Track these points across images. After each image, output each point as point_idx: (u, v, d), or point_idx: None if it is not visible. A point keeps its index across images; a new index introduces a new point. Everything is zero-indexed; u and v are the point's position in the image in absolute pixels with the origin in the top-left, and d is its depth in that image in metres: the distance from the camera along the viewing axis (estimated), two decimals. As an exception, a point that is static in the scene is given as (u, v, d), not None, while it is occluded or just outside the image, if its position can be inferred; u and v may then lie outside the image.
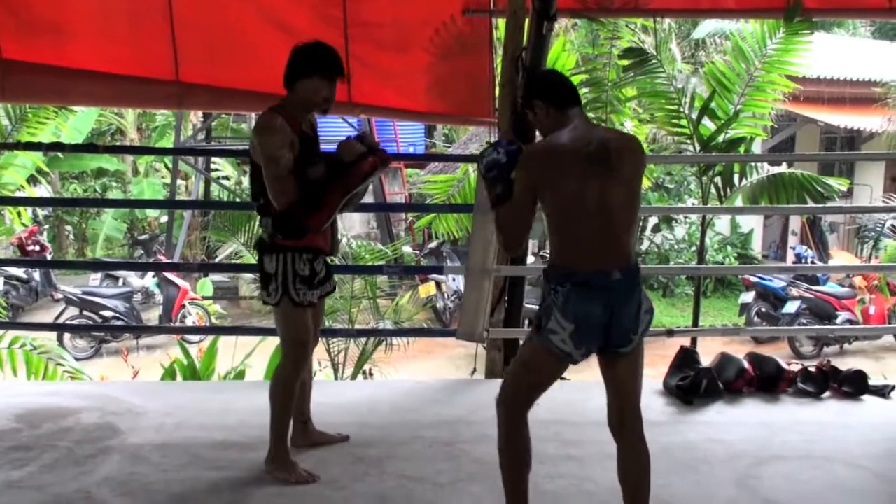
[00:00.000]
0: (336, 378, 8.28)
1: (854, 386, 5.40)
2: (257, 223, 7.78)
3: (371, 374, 8.57)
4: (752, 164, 8.44)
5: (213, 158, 19.16)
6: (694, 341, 7.76)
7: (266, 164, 3.83)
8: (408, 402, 5.01)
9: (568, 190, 3.21)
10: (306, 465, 4.14)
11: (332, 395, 5.09)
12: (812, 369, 5.48)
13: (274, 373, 4.26)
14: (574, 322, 3.20)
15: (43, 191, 18.59)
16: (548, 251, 3.73)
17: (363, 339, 8.39)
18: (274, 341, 7.43)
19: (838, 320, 13.70)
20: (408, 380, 5.86)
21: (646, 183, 9.10)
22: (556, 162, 3.27)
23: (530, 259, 12.84)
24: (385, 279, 12.95)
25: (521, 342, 3.54)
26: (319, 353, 8.39)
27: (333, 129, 16.64)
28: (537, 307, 3.40)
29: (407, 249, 15.20)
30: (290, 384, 4.11)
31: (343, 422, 4.63)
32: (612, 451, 4.38)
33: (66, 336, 12.97)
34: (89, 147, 15.43)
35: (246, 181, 21.29)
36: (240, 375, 7.55)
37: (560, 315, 3.21)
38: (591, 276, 3.20)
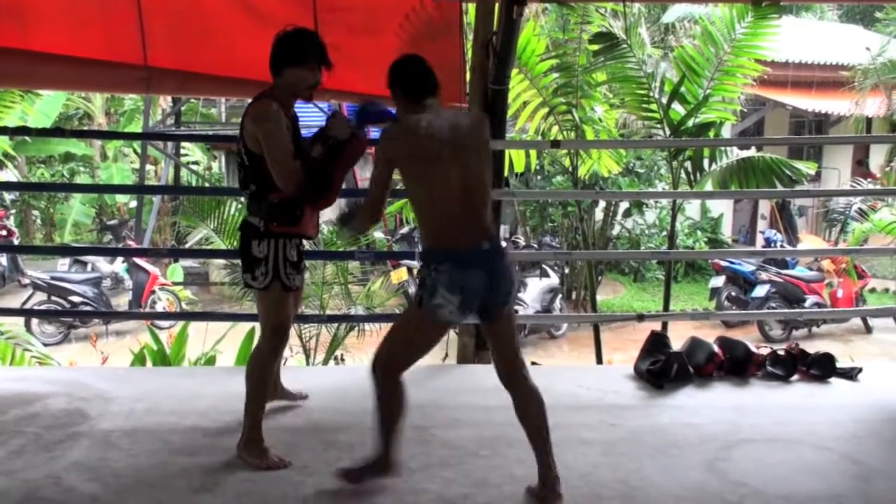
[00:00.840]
0: (308, 364, 8.27)
1: (822, 369, 5.46)
2: (227, 209, 7.76)
3: (343, 360, 8.56)
4: (722, 148, 8.46)
5: (183, 144, 19.09)
6: (664, 326, 7.80)
7: (272, 151, 3.90)
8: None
9: (432, 175, 3.49)
10: (277, 451, 4.13)
11: (303, 380, 5.08)
12: (781, 353, 5.53)
13: (252, 356, 4.28)
14: (461, 294, 3.47)
15: (9, 175, 18.43)
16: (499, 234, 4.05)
17: (335, 325, 8.37)
18: (244, 327, 7.45)
19: (807, 304, 13.82)
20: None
21: (616, 168, 9.12)
22: (411, 144, 3.52)
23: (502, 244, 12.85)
24: (357, 265, 12.93)
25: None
26: (291, 339, 8.38)
27: (303, 115, 16.60)
28: (417, 287, 3.65)
29: (378, 235, 15.17)
30: (267, 367, 4.20)
31: (314, 407, 4.63)
32: (584, 437, 4.43)
33: (34, 321, 12.86)
34: (56, 131, 15.28)
35: (216, 166, 21.24)
36: (210, 361, 7.52)
37: (446, 291, 3.47)
38: (467, 251, 3.49)
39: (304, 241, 4.25)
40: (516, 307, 3.86)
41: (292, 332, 8.15)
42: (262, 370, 4.16)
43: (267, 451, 4.10)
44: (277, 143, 3.90)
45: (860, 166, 19.34)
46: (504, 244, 3.81)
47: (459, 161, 3.49)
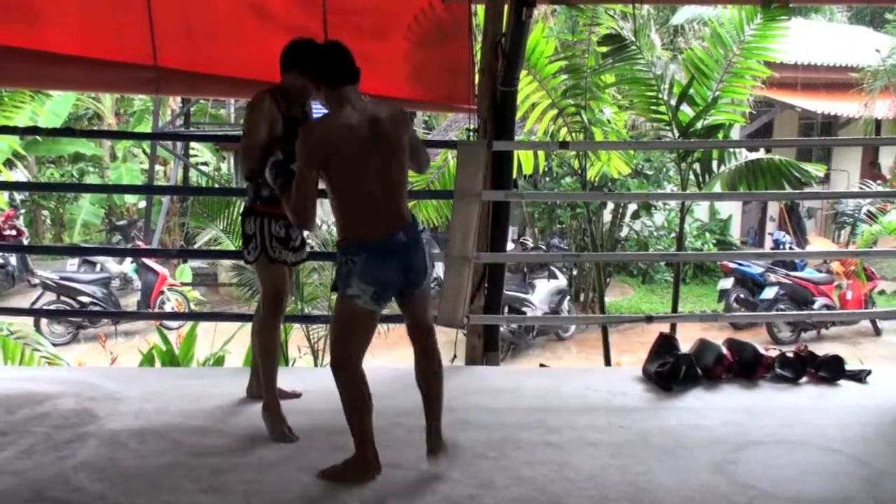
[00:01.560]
0: (316, 365, 8.27)
1: (831, 371, 5.45)
2: (236, 209, 7.77)
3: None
4: (731, 150, 8.45)
5: (192, 144, 19.13)
6: (673, 327, 7.79)
7: (243, 135, 4.36)
8: (387, 388, 5.00)
9: (352, 167, 3.59)
10: (287, 451, 4.16)
11: (311, 381, 5.09)
12: (790, 355, 5.52)
13: (253, 326, 4.70)
14: (374, 285, 3.62)
15: (19, 175, 18.47)
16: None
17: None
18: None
19: (816, 306, 13.77)
20: (387, 366, 5.85)
21: (626, 169, 9.11)
22: (338, 141, 3.58)
23: (510, 246, 12.86)
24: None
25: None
26: (299, 340, 8.40)
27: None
28: (335, 276, 3.77)
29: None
30: (270, 333, 4.51)
31: (323, 408, 4.62)
32: (592, 439, 4.43)
33: (43, 321, 12.88)
34: (66, 131, 15.33)
35: (224, 167, 21.29)
36: (219, 362, 7.53)
37: (359, 281, 3.60)
38: (382, 242, 3.62)
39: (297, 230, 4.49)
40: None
41: (300, 332, 8.22)
42: (264, 336, 4.52)
43: (283, 421, 4.39)
44: (247, 129, 4.31)
45: (872, 167, 19.28)
46: (422, 230, 3.88)
47: (381, 154, 3.62)
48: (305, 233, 4.75)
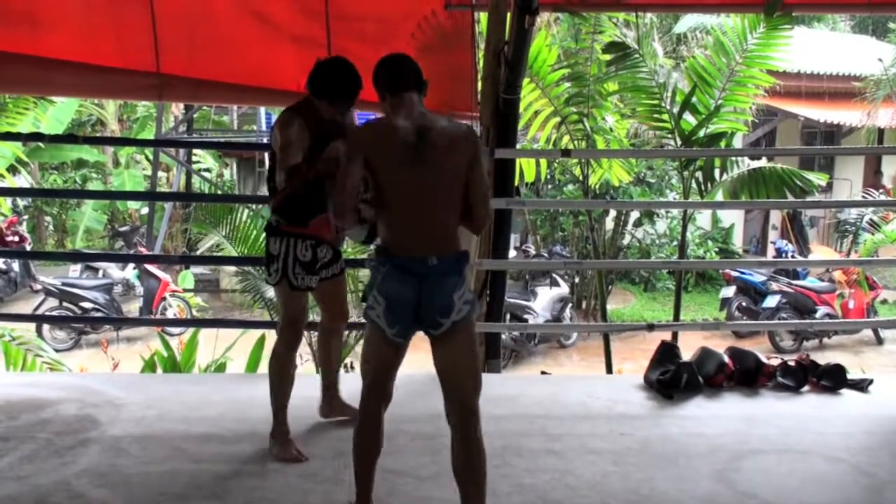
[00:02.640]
0: (318, 371, 8.25)
1: (833, 380, 5.44)
2: (239, 215, 7.78)
3: (353, 368, 8.56)
4: (733, 158, 8.45)
5: (195, 150, 19.13)
6: (675, 336, 7.79)
7: (279, 154, 4.12)
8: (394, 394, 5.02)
9: (387, 175, 3.35)
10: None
11: (314, 387, 5.08)
12: (791, 363, 5.52)
13: (271, 353, 4.48)
14: (386, 299, 3.35)
15: (22, 181, 18.48)
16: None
17: (345, 332, 8.36)
18: (255, 334, 7.47)
19: (818, 314, 13.76)
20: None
21: (626, 177, 9.11)
22: (378, 145, 3.37)
23: (512, 253, 12.86)
24: (367, 272, 12.91)
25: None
26: (301, 347, 8.38)
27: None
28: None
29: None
30: (281, 362, 4.35)
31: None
32: (593, 446, 4.43)
33: (46, 327, 12.88)
34: (69, 138, 15.34)
35: (227, 173, 21.32)
36: (221, 368, 7.53)
37: (377, 292, 3.37)
38: (407, 260, 3.32)
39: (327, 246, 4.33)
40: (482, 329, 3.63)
41: (302, 339, 8.20)
42: (276, 365, 4.35)
43: (289, 444, 4.25)
44: (287, 140, 4.08)
45: (876, 176, 19.28)
46: (465, 266, 3.45)
47: (429, 170, 3.32)
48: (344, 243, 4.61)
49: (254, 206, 9.01)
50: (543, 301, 13.73)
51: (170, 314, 14.08)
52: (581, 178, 9.04)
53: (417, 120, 3.38)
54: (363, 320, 3.54)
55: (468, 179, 3.41)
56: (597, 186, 9.68)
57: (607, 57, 7.95)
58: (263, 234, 7.36)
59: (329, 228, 4.23)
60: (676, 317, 8.80)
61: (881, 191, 16.94)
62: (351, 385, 4.63)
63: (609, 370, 8.65)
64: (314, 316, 7.46)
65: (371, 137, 3.43)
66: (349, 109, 4.25)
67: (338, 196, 3.44)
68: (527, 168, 8.38)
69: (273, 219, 4.28)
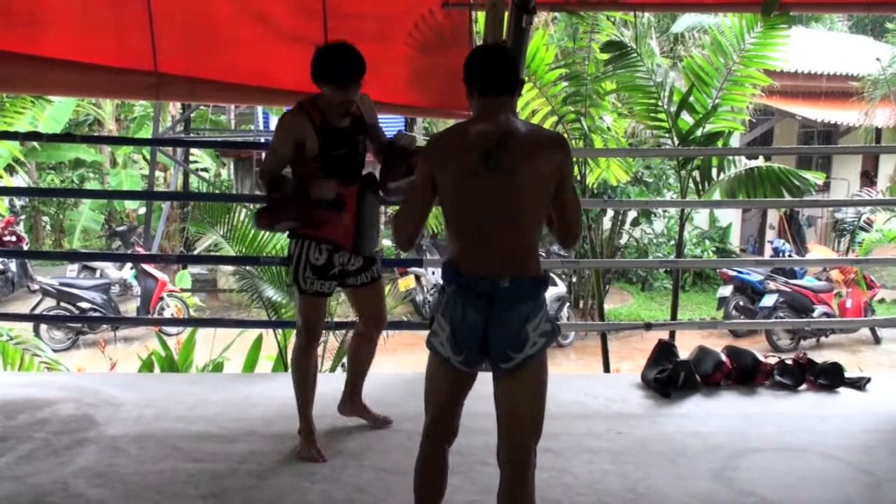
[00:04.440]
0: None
1: (830, 378, 5.45)
2: (236, 215, 7.77)
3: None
4: (730, 157, 8.46)
5: (192, 150, 19.12)
6: (672, 335, 7.80)
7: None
8: (387, 394, 5.02)
9: (457, 185, 3.02)
10: (285, 457, 4.19)
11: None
12: (789, 362, 5.53)
13: (292, 354, 4.48)
14: (451, 324, 3.03)
15: (20, 181, 18.48)
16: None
17: (342, 332, 8.36)
18: (252, 334, 7.48)
19: (815, 314, 13.78)
20: (387, 372, 5.86)
21: (624, 176, 9.11)
22: (452, 153, 3.06)
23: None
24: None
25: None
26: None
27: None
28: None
29: (386, 242, 15.21)
30: (302, 365, 4.33)
31: (322, 414, 4.62)
32: (591, 445, 4.43)
33: (43, 327, 12.88)
34: (66, 137, 15.33)
35: (225, 173, 21.30)
36: (218, 368, 7.53)
37: (441, 316, 3.07)
38: (474, 279, 2.98)
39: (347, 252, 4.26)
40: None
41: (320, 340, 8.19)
42: (295, 368, 4.36)
43: (312, 444, 4.26)
44: (270, 148, 4.19)
45: (866, 178, 19.32)
46: (544, 291, 3.08)
47: (507, 178, 2.96)
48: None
49: (251, 206, 9.00)
50: (541, 300, 13.71)
51: (167, 314, 14.09)
52: (578, 177, 9.04)
53: (502, 124, 3.04)
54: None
55: (558, 196, 3.05)
56: (595, 186, 9.66)
57: (605, 56, 7.96)
58: (261, 234, 7.40)
59: (344, 232, 4.16)
60: (674, 316, 8.81)
61: (871, 189, 16.99)
62: (367, 387, 4.66)
63: (606, 369, 8.65)
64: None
65: (442, 148, 3.14)
66: (359, 95, 4.14)
67: (398, 221, 3.23)
68: (524, 167, 8.36)
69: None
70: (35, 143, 17.27)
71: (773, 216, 19.32)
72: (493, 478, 3.48)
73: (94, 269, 15.31)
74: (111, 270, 15.29)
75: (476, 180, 2.98)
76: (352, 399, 4.66)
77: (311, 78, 4.05)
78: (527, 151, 2.99)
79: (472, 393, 3.24)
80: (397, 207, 3.49)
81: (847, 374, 5.53)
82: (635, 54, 7.89)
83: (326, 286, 4.24)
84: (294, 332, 4.64)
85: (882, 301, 15.86)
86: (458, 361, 3.07)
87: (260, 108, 19.23)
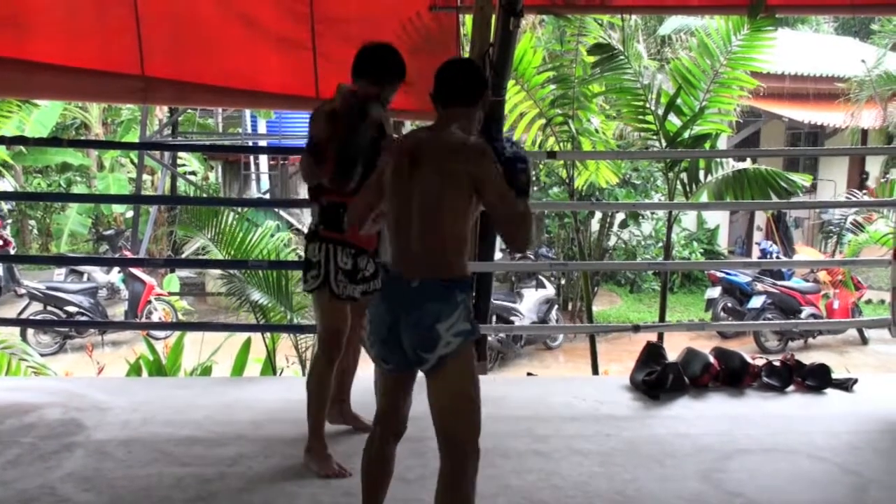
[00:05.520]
0: (304, 374, 8.26)
1: (818, 380, 5.47)
2: (224, 218, 7.76)
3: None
4: (718, 160, 8.48)
5: (180, 154, 19.07)
6: (660, 336, 7.81)
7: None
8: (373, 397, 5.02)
9: (391, 190, 3.16)
10: (274, 461, 4.15)
11: (300, 391, 5.06)
12: (776, 363, 5.54)
13: (310, 365, 4.35)
14: (369, 320, 3.15)
15: (6, 185, 18.41)
16: None
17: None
18: (240, 338, 7.46)
19: (803, 315, 13.82)
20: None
21: (613, 179, 9.11)
22: (394, 156, 3.20)
23: (498, 255, 12.87)
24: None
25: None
26: (287, 350, 8.38)
27: (298, 125, 16.64)
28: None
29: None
30: (324, 376, 4.18)
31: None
32: (580, 447, 4.43)
33: (30, 331, 12.84)
34: (53, 141, 15.27)
35: (212, 176, 21.28)
36: (206, 371, 7.52)
37: (369, 311, 3.18)
38: (395, 277, 3.10)
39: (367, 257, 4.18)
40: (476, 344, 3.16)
41: (288, 341, 8.19)
42: (318, 379, 4.18)
43: (329, 459, 4.12)
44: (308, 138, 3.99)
45: (861, 177, 19.38)
46: (459, 294, 3.06)
47: (417, 186, 3.06)
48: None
49: (239, 210, 9.00)
50: (529, 303, 13.76)
51: (155, 318, 14.06)
52: (566, 179, 9.05)
53: (436, 132, 3.17)
54: None
55: (483, 202, 3.08)
56: (583, 188, 9.67)
57: (592, 59, 7.96)
58: (248, 237, 7.37)
59: (369, 236, 4.04)
60: (662, 318, 8.82)
61: (865, 192, 17.02)
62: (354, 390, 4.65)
63: (595, 371, 8.66)
64: (297, 320, 7.49)
65: (394, 150, 3.24)
66: (388, 99, 4.14)
67: (360, 205, 3.31)
68: (512, 170, 8.35)
69: (314, 223, 4.15)
70: (21, 147, 17.19)
71: (761, 218, 19.36)
72: (481, 480, 3.48)
73: (81, 273, 15.27)
74: (98, 274, 15.25)
75: (400, 184, 3.12)
76: (340, 406, 4.61)
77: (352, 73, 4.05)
78: (437, 157, 3.08)
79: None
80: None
81: (834, 376, 5.55)
82: (623, 57, 7.90)
83: (357, 291, 4.13)
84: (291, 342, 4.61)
85: (869, 302, 15.91)
86: (381, 362, 3.16)
87: (248, 112, 19.19)
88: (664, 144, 8.00)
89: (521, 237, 3.13)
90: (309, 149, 3.95)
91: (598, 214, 16.85)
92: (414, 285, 3.02)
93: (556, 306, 14.65)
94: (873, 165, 19.58)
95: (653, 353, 5.68)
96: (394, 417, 3.28)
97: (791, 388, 5.44)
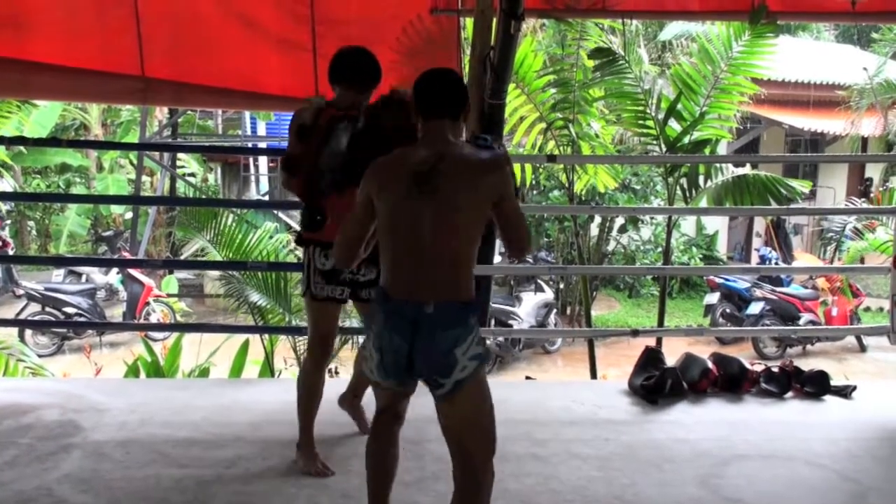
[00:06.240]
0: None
1: (816, 386, 5.46)
2: (223, 220, 7.76)
3: (337, 373, 8.54)
4: (718, 165, 8.47)
5: (179, 155, 19.06)
6: (659, 341, 7.79)
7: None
8: (374, 400, 5.01)
9: (388, 209, 3.03)
10: (271, 463, 4.16)
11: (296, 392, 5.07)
12: (775, 370, 5.54)
13: (301, 366, 4.41)
14: (379, 352, 3.03)
15: (5, 185, 18.40)
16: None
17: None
18: (239, 339, 7.46)
19: (801, 321, 13.81)
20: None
21: (612, 183, 9.11)
22: (388, 177, 3.06)
23: (497, 259, 12.86)
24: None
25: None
26: (285, 352, 8.38)
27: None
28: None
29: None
30: (310, 380, 4.19)
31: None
32: (578, 452, 4.43)
33: (28, 332, 12.81)
34: (52, 141, 15.25)
35: (212, 178, 21.26)
36: (204, 373, 7.51)
37: (372, 342, 3.08)
38: (401, 304, 2.98)
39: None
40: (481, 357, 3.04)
41: (286, 343, 8.18)
42: (305, 382, 4.19)
43: (315, 458, 4.15)
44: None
45: (865, 186, 19.37)
46: (473, 316, 3.04)
47: (423, 202, 2.95)
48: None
49: (238, 211, 8.99)
50: (528, 307, 13.75)
51: (153, 319, 14.05)
52: (566, 183, 9.04)
53: (438, 148, 3.03)
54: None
55: (500, 212, 3.04)
56: (582, 192, 9.65)
57: (593, 63, 7.96)
58: (247, 239, 7.37)
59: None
60: (661, 323, 8.81)
61: (866, 198, 17.02)
62: (338, 390, 4.63)
63: (594, 376, 8.65)
64: (296, 321, 7.49)
65: (380, 172, 3.10)
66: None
67: (337, 243, 3.23)
68: (512, 173, 8.35)
69: (299, 227, 4.19)
70: (21, 147, 17.17)
71: (760, 224, 19.37)
72: (442, 461, 3.48)
73: (79, 274, 15.25)
74: (97, 275, 15.23)
75: (408, 204, 2.98)
76: (352, 399, 4.63)
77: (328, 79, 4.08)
78: (458, 174, 2.99)
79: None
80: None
81: (833, 382, 5.54)
82: (623, 61, 7.90)
83: (338, 291, 4.10)
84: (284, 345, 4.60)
85: (867, 309, 15.91)
86: (389, 384, 3.11)
87: (247, 114, 19.15)
88: (664, 149, 7.99)
89: (526, 238, 3.13)
90: (282, 163, 4.03)
91: (598, 219, 16.84)
92: (428, 311, 2.93)
93: (555, 310, 14.64)
94: (873, 173, 19.57)
95: (651, 358, 5.67)
96: (398, 412, 3.32)
97: (790, 394, 5.44)
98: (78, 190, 20.06)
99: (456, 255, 3.02)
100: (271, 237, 8.13)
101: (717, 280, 14.67)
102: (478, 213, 3.01)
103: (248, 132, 19.66)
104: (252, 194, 20.10)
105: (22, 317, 13.24)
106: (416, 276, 2.98)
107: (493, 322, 12.17)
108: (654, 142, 8.11)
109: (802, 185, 8.26)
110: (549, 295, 14.43)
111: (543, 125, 8.29)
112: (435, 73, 3.21)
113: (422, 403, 3.20)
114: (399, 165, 3.05)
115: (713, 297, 14.77)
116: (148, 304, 14.17)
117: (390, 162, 3.12)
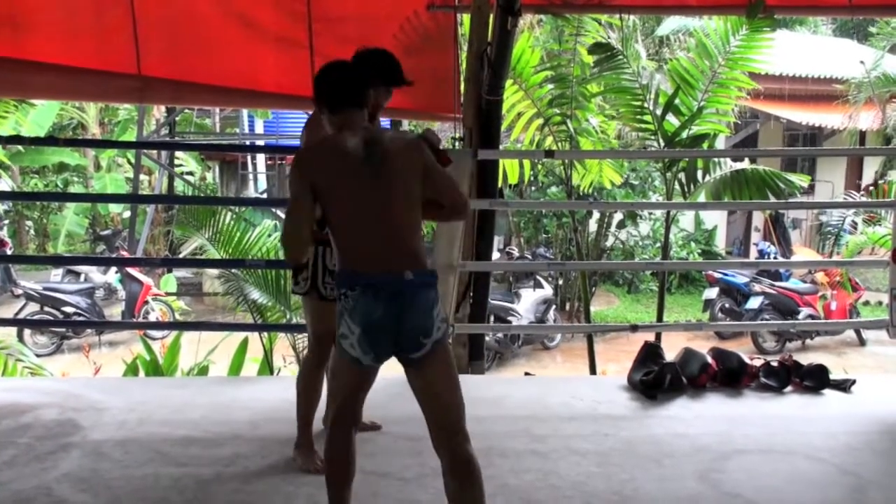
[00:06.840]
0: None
1: (815, 380, 5.46)
2: (221, 218, 7.75)
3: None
4: (716, 160, 8.47)
5: (177, 153, 19.05)
6: (658, 336, 7.80)
7: None
8: (374, 397, 4.98)
9: (345, 195, 3.17)
10: (271, 461, 4.16)
11: (295, 390, 5.07)
12: (774, 364, 5.53)
13: (301, 365, 4.39)
14: (361, 325, 3.11)
15: (3, 185, 18.39)
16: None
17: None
18: (237, 337, 7.44)
19: (800, 316, 13.82)
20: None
21: (617, 178, 9.10)
22: (330, 163, 3.21)
23: (496, 255, 12.86)
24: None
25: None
26: (285, 349, 8.38)
27: (296, 124, 16.61)
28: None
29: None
30: (310, 378, 4.19)
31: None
32: (578, 447, 4.42)
33: (27, 332, 12.80)
34: (49, 140, 15.24)
35: (210, 176, 21.26)
36: (203, 371, 7.51)
37: (349, 319, 3.13)
38: (379, 276, 3.11)
39: None
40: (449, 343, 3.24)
41: (285, 341, 8.18)
42: (306, 380, 4.19)
43: (314, 456, 4.13)
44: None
45: (876, 178, 19.38)
46: (435, 279, 3.22)
47: (386, 182, 3.15)
48: None
49: (236, 209, 8.99)
50: (527, 303, 13.75)
51: (152, 318, 14.04)
52: (564, 179, 9.04)
53: (363, 133, 3.23)
54: None
55: (431, 181, 3.27)
56: (587, 188, 9.63)
57: (591, 59, 7.96)
58: (246, 237, 7.35)
59: None
60: (660, 318, 8.82)
61: (862, 193, 17.03)
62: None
63: (593, 371, 8.65)
64: (295, 319, 7.48)
65: (318, 158, 3.26)
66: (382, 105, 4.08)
67: (284, 236, 3.28)
68: (510, 169, 8.37)
69: None
70: (18, 147, 17.17)
71: (759, 218, 19.37)
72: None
73: (78, 274, 15.24)
74: (95, 274, 15.23)
75: (361, 185, 3.16)
76: None
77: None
78: (395, 153, 3.22)
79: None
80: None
81: (832, 376, 5.53)
82: (621, 56, 7.90)
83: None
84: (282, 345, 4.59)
85: (867, 303, 15.91)
86: (369, 360, 3.18)
87: (245, 112, 19.20)
88: (662, 144, 8.00)
89: (459, 196, 3.44)
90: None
91: (596, 214, 16.85)
92: (409, 278, 3.10)
93: (554, 306, 14.64)
94: (871, 167, 19.56)
95: (651, 353, 5.66)
96: (356, 410, 3.40)
97: (789, 388, 5.43)
98: (76, 189, 20.05)
99: (414, 226, 3.25)
100: (270, 235, 8.10)
101: (716, 275, 14.67)
102: (419, 185, 3.24)
103: (246, 130, 19.68)
104: (250, 192, 20.10)
105: (20, 316, 13.23)
106: (387, 250, 3.15)
107: (492, 318, 12.17)
108: (653, 137, 8.11)
109: (801, 180, 8.26)
110: (548, 291, 14.42)
111: (541, 121, 8.29)
112: (337, 66, 3.37)
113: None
114: (337, 152, 3.21)
115: (712, 292, 14.77)
116: (146, 302, 14.16)
117: (326, 150, 3.28)
